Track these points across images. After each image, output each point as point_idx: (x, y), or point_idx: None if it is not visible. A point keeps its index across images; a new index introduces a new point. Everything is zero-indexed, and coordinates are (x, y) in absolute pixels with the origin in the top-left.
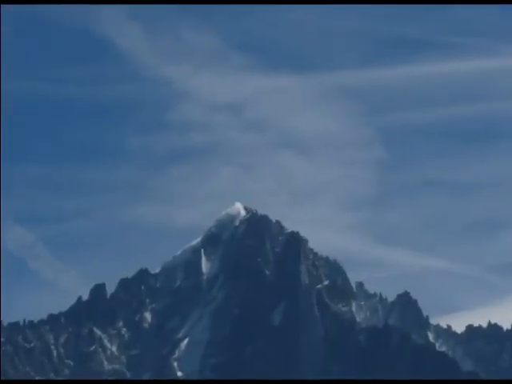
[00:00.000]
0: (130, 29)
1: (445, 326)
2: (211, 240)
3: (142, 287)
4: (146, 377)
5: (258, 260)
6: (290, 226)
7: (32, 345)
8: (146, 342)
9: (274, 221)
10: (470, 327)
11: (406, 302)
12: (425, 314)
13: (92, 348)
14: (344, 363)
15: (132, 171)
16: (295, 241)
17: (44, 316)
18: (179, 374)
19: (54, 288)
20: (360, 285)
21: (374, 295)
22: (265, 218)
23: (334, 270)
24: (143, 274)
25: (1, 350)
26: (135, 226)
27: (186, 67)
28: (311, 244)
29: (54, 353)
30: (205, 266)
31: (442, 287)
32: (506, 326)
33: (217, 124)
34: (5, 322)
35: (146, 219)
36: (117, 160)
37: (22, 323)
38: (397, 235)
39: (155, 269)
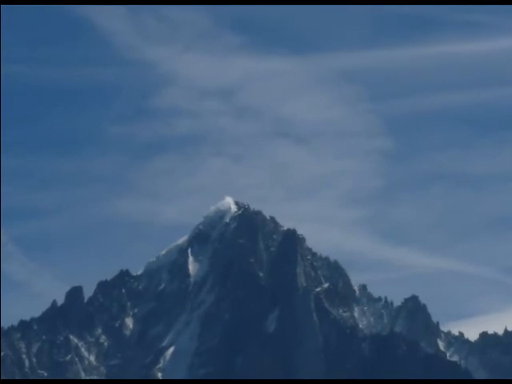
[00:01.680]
0: (111, 7)
1: (457, 333)
2: (199, 238)
3: (123, 290)
4: None
5: (251, 261)
6: (285, 222)
7: (2, 354)
8: (127, 350)
9: (268, 217)
10: (484, 334)
11: (413, 306)
12: (435, 319)
13: (68, 357)
14: (345, 374)
15: (111, 163)
16: (292, 239)
17: (15, 322)
18: None
19: (25, 291)
20: (363, 288)
21: (379, 299)
22: (258, 214)
23: (335, 271)
24: (124, 275)
25: None
26: (115, 222)
27: (172, 48)
28: (309, 243)
29: (26, 362)
30: (192, 267)
31: (454, 290)
32: None
33: (205, 110)
34: None
35: (126, 215)
36: (94, 150)
37: None
38: (404, 233)
39: (137, 270)
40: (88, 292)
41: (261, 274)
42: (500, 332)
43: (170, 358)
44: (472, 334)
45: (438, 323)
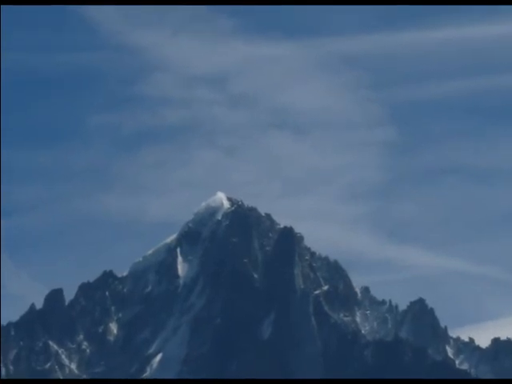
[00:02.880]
0: None
1: (467, 339)
2: (189, 237)
3: (107, 293)
4: None
5: (245, 261)
6: (282, 220)
7: None
8: (111, 358)
9: (263, 214)
10: (496, 341)
11: (420, 310)
12: (443, 324)
13: (47, 365)
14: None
15: (94, 155)
16: (289, 238)
17: None
18: None
19: (1, 294)
20: (365, 290)
21: (383, 302)
22: (252, 210)
23: (335, 272)
24: (108, 277)
25: None
26: (98, 219)
27: (161, 33)
28: (308, 242)
29: (3, 371)
30: (181, 267)
31: (464, 293)
32: None
33: (196, 99)
34: None
35: (110, 212)
36: (76, 142)
37: None
38: (409, 231)
39: (122, 271)
40: (69, 295)
41: (255, 276)
42: None
43: (157, 365)
44: (483, 340)
45: (446, 328)
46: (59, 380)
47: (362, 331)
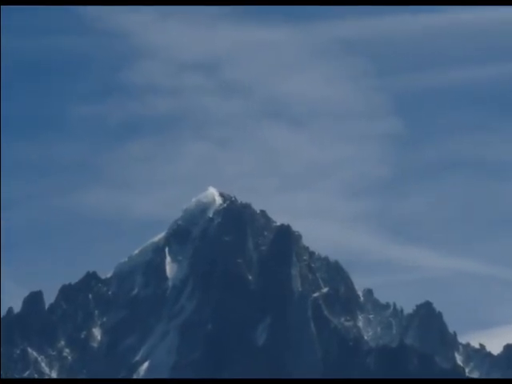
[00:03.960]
0: None
1: (477, 346)
2: (178, 236)
3: (90, 296)
4: None
5: (238, 261)
6: (279, 217)
7: None
8: (94, 365)
9: (258, 211)
10: (509, 347)
11: (427, 314)
12: (451, 329)
13: (26, 373)
14: None
15: (76, 148)
16: (286, 237)
17: None
18: None
19: None
20: (368, 293)
21: (387, 306)
22: (247, 207)
23: (336, 273)
24: (91, 278)
25: None
26: (80, 217)
27: (147, 16)
28: (306, 241)
29: None
30: (170, 268)
31: (474, 296)
32: None
33: (186, 87)
34: None
35: (94, 209)
36: (57, 134)
37: None
38: (415, 229)
39: (106, 272)
40: (49, 298)
41: (250, 277)
42: None
43: (144, 374)
44: (495, 347)
45: (455, 334)
46: (60, 380)
47: (365, 337)
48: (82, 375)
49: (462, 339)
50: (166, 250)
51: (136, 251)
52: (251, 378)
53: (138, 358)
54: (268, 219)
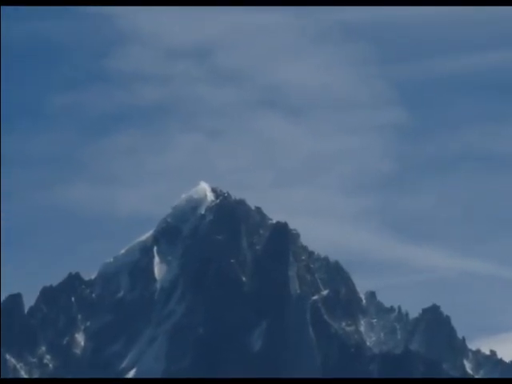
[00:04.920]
0: None
1: (488, 352)
2: (167, 234)
3: (73, 299)
4: None
5: (232, 261)
6: (275, 214)
7: None
8: (77, 373)
9: (253, 207)
10: None
11: (434, 318)
12: (460, 335)
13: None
14: None
15: (57, 140)
16: (282, 235)
17: None
18: None
19: None
20: (371, 295)
21: (391, 309)
22: (241, 203)
23: (336, 274)
24: (74, 280)
25: None
26: (62, 215)
27: None
28: (304, 240)
29: None
30: (158, 269)
31: (485, 299)
32: None
33: (176, 75)
34: None
35: (77, 205)
36: (35, 125)
37: None
38: (423, 227)
39: (90, 273)
40: (29, 301)
41: (244, 279)
42: None
43: None
44: (507, 353)
45: (464, 339)
46: (60, 379)
47: (367, 343)
48: None
49: (472, 345)
50: (155, 249)
51: (122, 251)
52: (251, 378)
53: (124, 365)
54: (263, 216)
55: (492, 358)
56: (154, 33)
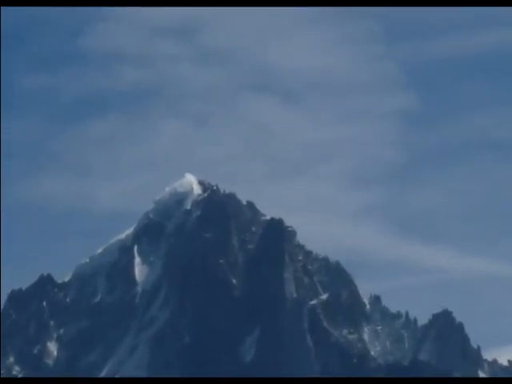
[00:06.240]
0: None
1: (505, 363)
2: (149, 232)
3: (44, 303)
4: None
5: (221, 262)
6: (268, 210)
7: None
8: None
9: (244, 202)
10: None
11: (445, 325)
12: (474, 343)
13: None
14: None
15: (25, 127)
16: (277, 233)
17: None
18: None
19: None
20: (376, 300)
21: (398, 315)
22: (231, 197)
23: (337, 277)
24: (45, 283)
25: None
26: (33, 210)
27: None
28: (301, 238)
29: None
30: (139, 271)
31: (502, 303)
32: None
33: (158, 56)
34: None
35: (49, 200)
36: (1, 110)
37: None
38: (432, 224)
39: (64, 275)
40: None
41: (234, 281)
42: None
43: None
44: None
45: (479, 348)
46: (61, 379)
47: (372, 352)
48: None
49: (488, 355)
50: (135, 248)
51: (99, 250)
52: (250, 378)
53: (102, 375)
54: (256, 212)
55: (510, 370)
56: (133, 10)
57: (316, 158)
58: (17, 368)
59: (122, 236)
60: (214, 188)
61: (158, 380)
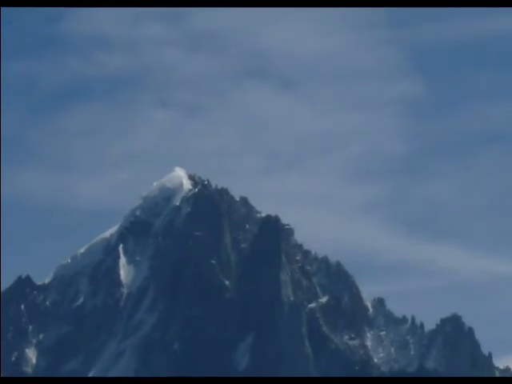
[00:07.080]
0: None
1: None
2: (135, 230)
3: (22, 307)
4: None
5: (212, 262)
6: (264, 206)
7: None
8: None
9: (237, 198)
10: None
11: (454, 330)
12: (485, 350)
13: None
14: None
15: (2, 118)
16: (273, 231)
17: None
18: None
19: None
20: (379, 303)
21: (403, 320)
22: (223, 193)
23: (337, 278)
24: (24, 285)
25: None
26: (9, 206)
27: None
28: (299, 236)
29: None
30: (125, 272)
31: None
32: None
33: (144, 40)
34: None
35: (26, 195)
36: None
37: None
38: (441, 222)
39: (43, 277)
40: None
41: (227, 283)
42: None
43: None
44: None
45: (490, 355)
46: (61, 378)
47: (375, 359)
48: None
49: (499, 362)
50: (120, 248)
51: (81, 250)
52: (249, 377)
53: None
54: (250, 208)
55: None
56: None
57: (315, 150)
58: None
59: (107, 234)
60: (205, 183)
61: (155, 380)
